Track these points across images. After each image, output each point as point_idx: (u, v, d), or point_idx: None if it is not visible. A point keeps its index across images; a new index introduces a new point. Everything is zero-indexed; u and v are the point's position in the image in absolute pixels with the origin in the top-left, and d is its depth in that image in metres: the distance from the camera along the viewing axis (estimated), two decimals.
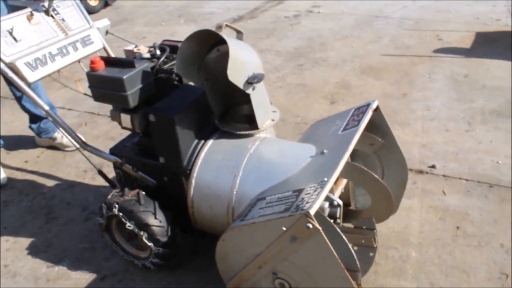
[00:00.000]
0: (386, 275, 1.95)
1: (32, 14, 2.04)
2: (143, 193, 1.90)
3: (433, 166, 2.62)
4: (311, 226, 1.36)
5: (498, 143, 2.79)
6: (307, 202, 1.40)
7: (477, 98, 3.35)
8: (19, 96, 2.89)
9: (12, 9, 2.50)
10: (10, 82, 2.79)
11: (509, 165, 2.57)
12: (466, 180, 2.48)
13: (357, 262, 1.57)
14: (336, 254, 1.40)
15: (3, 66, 1.88)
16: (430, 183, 2.48)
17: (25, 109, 2.96)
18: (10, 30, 1.94)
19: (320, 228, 1.37)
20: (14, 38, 1.94)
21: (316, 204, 1.38)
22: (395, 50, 4.41)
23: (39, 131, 3.05)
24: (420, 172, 2.57)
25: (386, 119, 1.92)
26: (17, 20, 2.00)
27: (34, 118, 3.00)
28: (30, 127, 3.06)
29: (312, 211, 1.36)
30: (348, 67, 4.08)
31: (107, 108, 1.96)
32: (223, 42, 1.67)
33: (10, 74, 1.89)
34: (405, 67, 4.00)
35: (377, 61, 4.16)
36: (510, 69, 3.74)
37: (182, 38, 1.74)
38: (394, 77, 3.81)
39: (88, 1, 6.64)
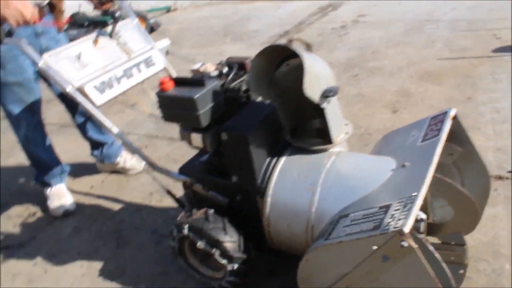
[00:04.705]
0: None
1: (97, 39, 2.08)
2: (212, 210, 1.87)
3: None
4: (406, 244, 1.27)
5: None
6: (399, 219, 1.32)
7: None
8: (80, 123, 2.94)
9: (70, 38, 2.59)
10: (72, 110, 2.87)
11: None
12: None
13: (453, 280, 1.47)
14: (433, 274, 1.32)
15: (72, 90, 1.91)
16: None
17: (87, 137, 3.00)
18: (78, 56, 1.98)
19: (416, 246, 1.29)
20: (82, 63, 1.98)
21: (409, 221, 1.29)
22: (451, 53, 4.25)
23: (102, 158, 3.09)
24: (500, 178, 2.41)
25: (464, 127, 1.83)
26: (84, 45, 2.05)
27: (96, 145, 3.04)
28: (92, 154, 3.11)
29: (407, 229, 1.27)
30: (405, 74, 3.96)
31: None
32: (293, 56, 1.63)
33: (80, 98, 1.92)
34: (464, 70, 3.83)
35: (434, 66, 4.02)
36: None
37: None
38: (454, 81, 3.66)
39: None
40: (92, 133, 2.96)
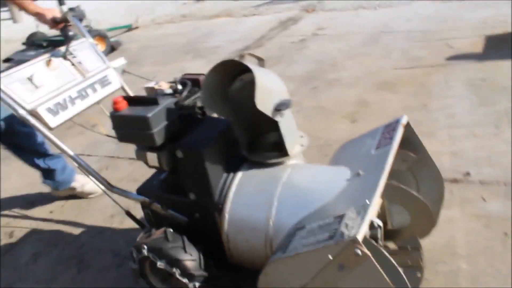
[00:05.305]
0: None
1: (50, 60, 2.05)
2: (170, 229, 1.84)
3: (467, 174, 2.53)
4: (360, 252, 1.29)
5: None
6: (352, 228, 1.34)
7: (500, 100, 3.28)
8: (24, 153, 2.82)
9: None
10: (9, 142, 2.73)
11: None
12: (504, 184, 2.39)
13: (408, 285, 1.49)
14: (388, 279, 1.34)
15: (24, 113, 1.87)
16: (467, 191, 2.39)
17: (35, 165, 2.86)
18: (30, 77, 1.94)
19: (369, 253, 1.30)
20: (34, 85, 1.95)
21: (362, 228, 1.32)
22: (407, 63, 4.38)
23: (56, 186, 2.98)
24: (455, 181, 2.49)
25: (416, 133, 1.87)
26: (36, 66, 2.01)
27: (47, 173, 2.92)
28: (44, 182, 2.97)
29: (360, 237, 1.29)
30: (363, 84, 4.04)
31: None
32: (246, 71, 1.64)
33: (32, 121, 1.88)
34: (420, 78, 3.95)
35: (391, 76, 4.12)
36: None
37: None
38: (411, 90, 3.76)
39: None
40: (39, 161, 2.83)
